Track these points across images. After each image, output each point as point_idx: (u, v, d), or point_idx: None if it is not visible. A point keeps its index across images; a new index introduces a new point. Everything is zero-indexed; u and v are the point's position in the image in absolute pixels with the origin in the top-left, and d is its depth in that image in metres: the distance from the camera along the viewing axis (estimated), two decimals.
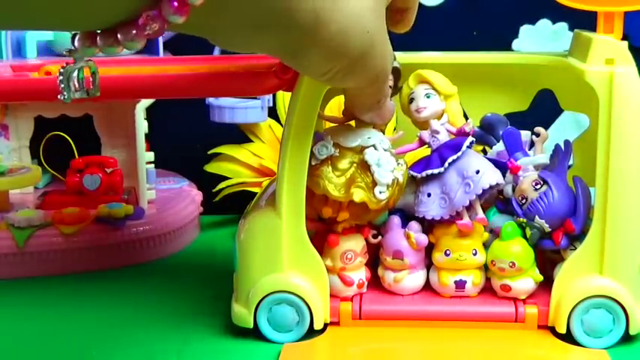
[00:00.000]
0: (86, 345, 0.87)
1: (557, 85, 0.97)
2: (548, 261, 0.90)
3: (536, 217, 0.85)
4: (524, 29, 1.24)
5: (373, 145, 0.84)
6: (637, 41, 1.20)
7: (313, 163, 0.84)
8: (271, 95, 1.20)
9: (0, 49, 1.10)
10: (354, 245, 0.87)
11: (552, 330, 0.85)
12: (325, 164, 0.83)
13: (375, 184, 0.83)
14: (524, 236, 0.87)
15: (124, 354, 0.85)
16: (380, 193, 0.83)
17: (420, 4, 1.22)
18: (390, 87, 0.86)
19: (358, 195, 0.83)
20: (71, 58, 0.61)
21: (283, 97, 1.21)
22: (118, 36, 0.53)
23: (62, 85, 0.62)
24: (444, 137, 0.88)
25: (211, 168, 1.25)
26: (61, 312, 0.96)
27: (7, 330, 0.91)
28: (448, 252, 0.87)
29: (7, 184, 1.09)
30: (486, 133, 0.95)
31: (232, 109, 1.18)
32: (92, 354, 0.85)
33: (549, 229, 0.86)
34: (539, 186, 0.86)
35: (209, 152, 1.25)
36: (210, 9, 0.53)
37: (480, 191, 0.85)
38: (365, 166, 0.83)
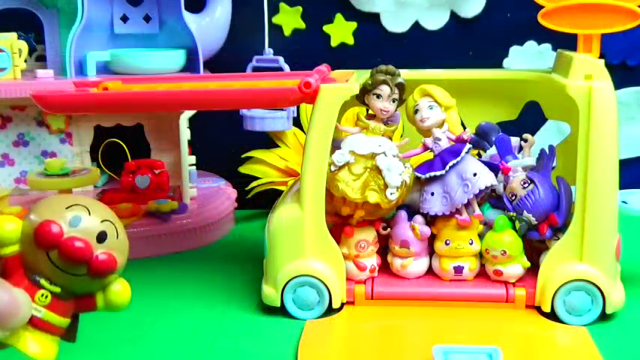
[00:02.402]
0: (140, 316, 0.88)
1: (543, 97, 0.97)
2: (534, 249, 0.89)
3: (525, 211, 0.85)
4: (514, 49, 1.23)
5: (384, 152, 0.84)
6: (612, 59, 1.19)
7: (332, 170, 0.83)
8: (295, 107, 1.20)
9: (65, 68, 1.10)
10: (366, 236, 0.87)
11: (538, 309, 0.85)
12: (343, 170, 0.83)
13: (386, 186, 0.83)
14: (514, 228, 0.86)
15: (171, 323, 0.86)
16: (391, 194, 0.83)
17: (423, 28, 1.23)
18: (397, 100, 0.86)
19: (373, 197, 0.82)
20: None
21: (306, 109, 1.21)
22: None
23: None
24: (444, 143, 0.88)
25: (244, 169, 1.25)
26: None
27: None
28: (448, 242, 0.87)
29: (71, 184, 1.10)
30: (481, 139, 0.95)
31: (262, 118, 1.17)
32: (145, 323, 0.86)
33: (536, 222, 0.85)
34: (526, 185, 0.85)
35: (242, 156, 1.25)
36: None
37: (477, 191, 0.85)
38: (377, 171, 0.83)
